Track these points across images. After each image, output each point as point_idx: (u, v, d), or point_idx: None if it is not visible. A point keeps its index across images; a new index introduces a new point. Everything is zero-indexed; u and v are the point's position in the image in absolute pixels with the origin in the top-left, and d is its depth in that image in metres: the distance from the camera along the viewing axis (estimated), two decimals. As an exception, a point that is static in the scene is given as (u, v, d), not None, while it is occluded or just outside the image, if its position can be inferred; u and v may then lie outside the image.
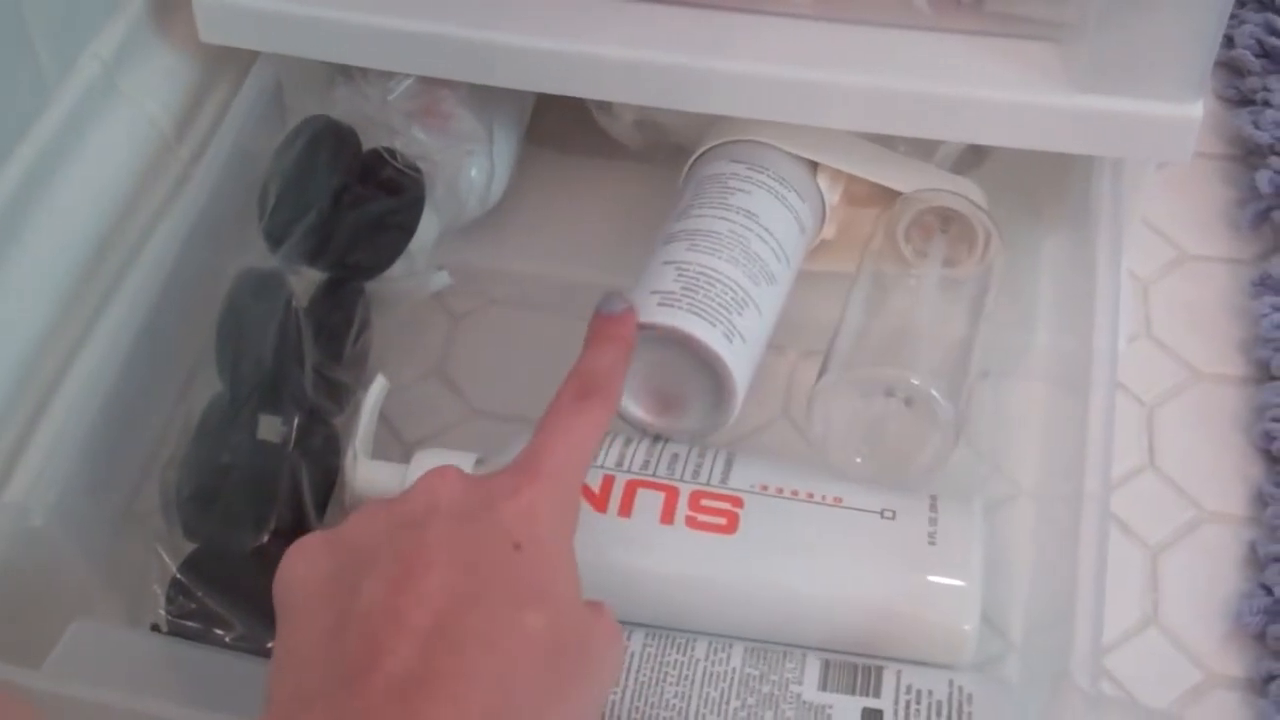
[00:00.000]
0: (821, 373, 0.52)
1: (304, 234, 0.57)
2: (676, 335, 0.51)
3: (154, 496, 0.53)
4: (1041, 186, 0.63)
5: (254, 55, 0.63)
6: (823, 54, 0.55)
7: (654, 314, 0.51)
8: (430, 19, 0.57)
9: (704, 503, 0.50)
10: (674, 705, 0.47)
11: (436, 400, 0.62)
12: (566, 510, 0.42)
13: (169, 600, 0.50)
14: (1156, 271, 0.66)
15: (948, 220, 0.57)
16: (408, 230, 0.59)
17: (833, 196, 0.58)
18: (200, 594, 0.49)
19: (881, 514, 0.50)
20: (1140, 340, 0.64)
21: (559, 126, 0.66)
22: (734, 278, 0.53)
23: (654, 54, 0.56)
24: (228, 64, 0.64)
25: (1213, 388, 0.62)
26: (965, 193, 0.57)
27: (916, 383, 0.50)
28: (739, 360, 0.52)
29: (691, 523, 0.50)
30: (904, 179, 0.58)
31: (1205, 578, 0.57)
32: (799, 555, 0.50)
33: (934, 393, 0.50)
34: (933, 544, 0.49)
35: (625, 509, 0.51)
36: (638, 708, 0.47)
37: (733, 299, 0.52)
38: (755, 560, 0.50)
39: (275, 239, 0.57)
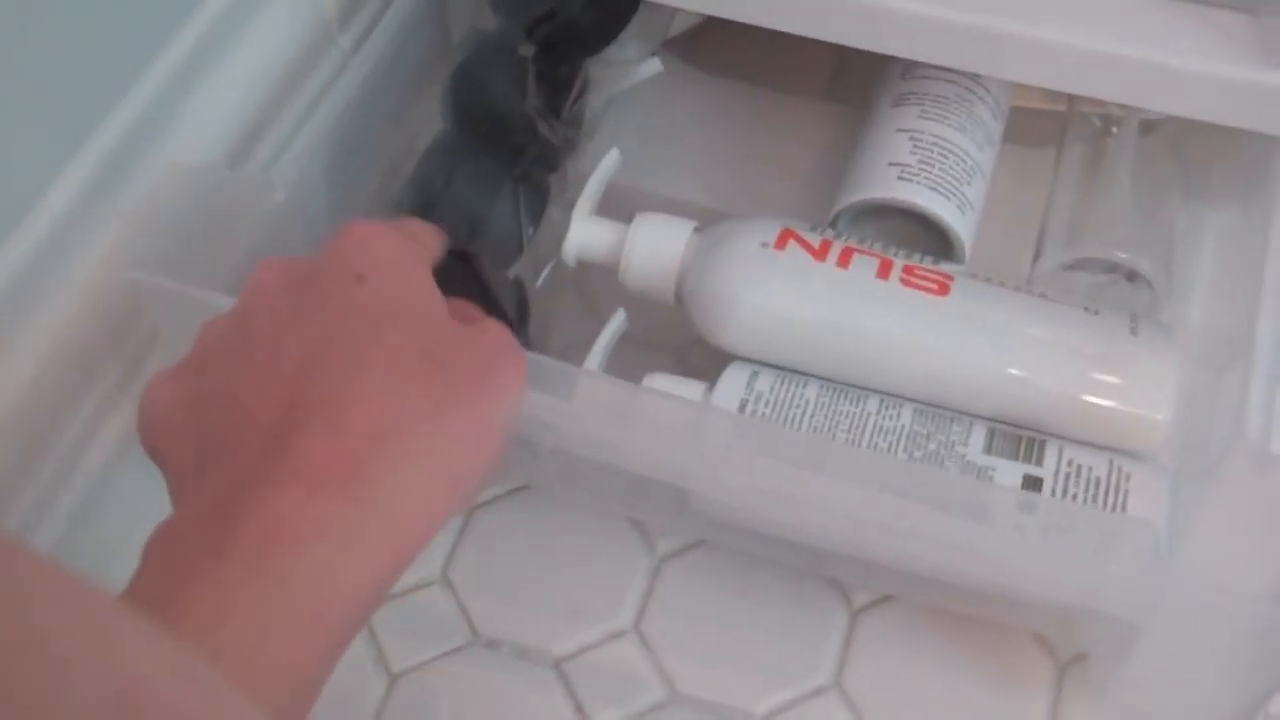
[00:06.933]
0: (1037, 256, 0.55)
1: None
2: (917, 209, 0.54)
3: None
4: (1211, 161, 0.61)
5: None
6: (1010, 5, 0.53)
7: (894, 188, 0.54)
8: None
9: (918, 270, 0.51)
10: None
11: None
12: (406, 241, 0.41)
13: None
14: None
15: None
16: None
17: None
18: None
19: (1085, 309, 0.51)
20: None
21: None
22: (964, 147, 0.55)
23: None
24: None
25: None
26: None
27: (1124, 257, 0.54)
28: (969, 229, 0.55)
29: (906, 283, 0.51)
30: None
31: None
32: (1004, 318, 0.51)
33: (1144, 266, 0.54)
34: (1135, 334, 0.50)
35: (844, 262, 0.51)
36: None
37: (963, 169, 0.55)
38: (964, 321, 0.51)
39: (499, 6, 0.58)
